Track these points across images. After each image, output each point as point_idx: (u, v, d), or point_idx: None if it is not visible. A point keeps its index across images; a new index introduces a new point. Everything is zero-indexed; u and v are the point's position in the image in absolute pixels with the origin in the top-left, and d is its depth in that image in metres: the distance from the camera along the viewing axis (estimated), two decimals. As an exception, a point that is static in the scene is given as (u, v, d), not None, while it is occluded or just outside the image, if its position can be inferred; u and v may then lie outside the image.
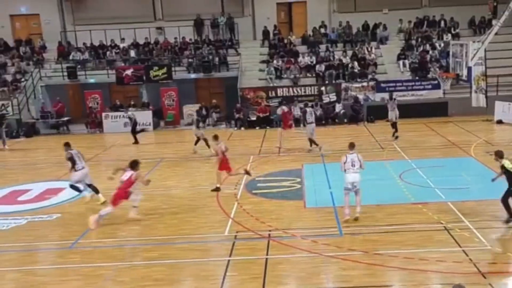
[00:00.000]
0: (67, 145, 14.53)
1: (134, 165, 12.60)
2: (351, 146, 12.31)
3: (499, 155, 11.30)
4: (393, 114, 20.78)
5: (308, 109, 20.86)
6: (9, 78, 29.23)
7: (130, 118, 23.69)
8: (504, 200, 11.07)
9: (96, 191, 14.35)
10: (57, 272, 10.06)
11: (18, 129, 26.34)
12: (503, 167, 11.08)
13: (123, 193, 12.43)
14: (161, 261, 10.26)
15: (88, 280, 9.56)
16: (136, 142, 23.08)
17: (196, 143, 20.45)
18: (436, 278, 9.08)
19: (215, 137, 15.02)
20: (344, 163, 11.98)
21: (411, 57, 28.19)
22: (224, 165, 14.70)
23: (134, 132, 23.29)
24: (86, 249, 11.10)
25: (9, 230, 12.59)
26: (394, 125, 20.82)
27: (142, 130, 23.93)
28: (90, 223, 12.26)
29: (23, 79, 28.98)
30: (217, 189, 14.63)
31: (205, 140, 19.98)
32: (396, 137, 20.64)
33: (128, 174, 12.48)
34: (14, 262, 10.73)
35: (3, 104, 25.52)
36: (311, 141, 19.57)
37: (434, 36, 29.72)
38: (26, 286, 9.47)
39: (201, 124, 21.57)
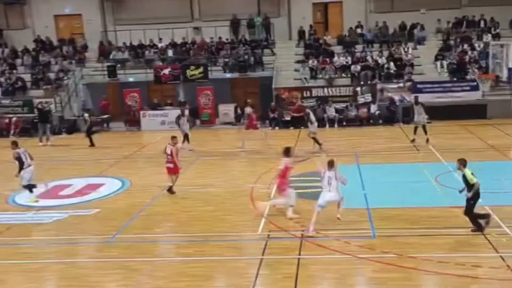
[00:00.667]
0: (14, 144, 14.78)
1: (287, 152, 12.56)
2: (330, 164, 11.69)
3: (462, 163, 11.09)
4: (420, 118, 20.20)
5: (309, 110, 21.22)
6: (52, 76, 30.05)
7: (85, 120, 23.70)
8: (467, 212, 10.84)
9: (31, 190, 14.73)
10: (97, 265, 10.42)
11: (60, 126, 27.12)
12: (464, 176, 10.86)
13: (283, 181, 12.46)
14: (197, 257, 10.51)
15: (127, 274, 9.87)
16: (92, 145, 22.98)
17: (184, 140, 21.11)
18: (472, 283, 8.92)
19: None
20: (322, 179, 11.59)
21: (449, 57, 27.85)
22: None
23: (89, 133, 23.22)
24: (124, 244, 11.43)
25: (52, 223, 13.05)
26: (423, 128, 20.13)
27: (96, 132, 24.09)
28: (259, 206, 12.75)
29: (65, 78, 29.76)
30: None
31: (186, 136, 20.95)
32: (427, 140, 20.03)
33: (284, 162, 12.47)
34: (57, 254, 11.15)
35: (46, 102, 26.25)
36: (315, 140, 19.71)
37: (473, 36, 29.27)
38: (68, 278, 9.81)
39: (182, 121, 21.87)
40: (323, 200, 11.56)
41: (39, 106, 25.06)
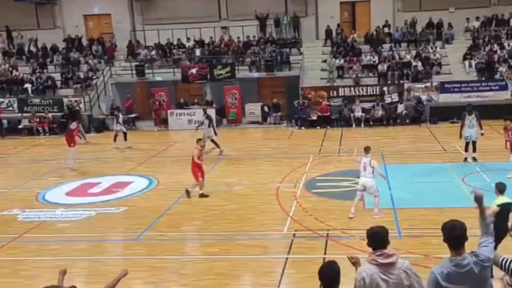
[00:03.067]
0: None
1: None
2: (366, 149, 12.47)
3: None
4: (472, 131, 17.12)
5: None
6: (82, 75, 30.51)
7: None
8: None
9: None
10: (124, 263, 10.54)
11: (89, 124, 27.56)
12: None
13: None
14: (222, 256, 10.62)
15: (153, 271, 10.02)
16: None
17: (117, 138, 22.02)
18: (499, 285, 8.92)
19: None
20: (358, 164, 12.39)
21: (477, 57, 27.47)
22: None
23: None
24: (150, 242, 11.60)
25: (80, 220, 13.30)
26: (473, 144, 17.23)
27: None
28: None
29: (94, 77, 30.22)
30: None
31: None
32: (474, 159, 17.20)
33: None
34: (85, 251, 11.37)
35: (75, 100, 26.72)
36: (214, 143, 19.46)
37: (502, 35, 28.83)
38: (95, 275, 9.97)
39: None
40: (359, 183, 12.42)
41: (68, 104, 25.47)
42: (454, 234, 4.89)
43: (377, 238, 5.18)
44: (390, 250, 5.20)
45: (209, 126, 19.98)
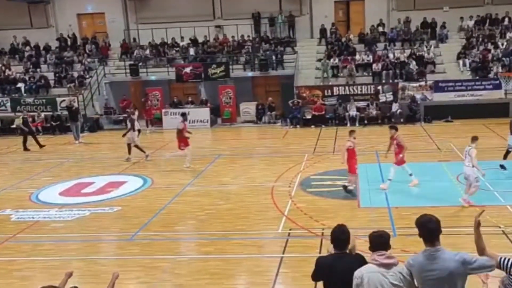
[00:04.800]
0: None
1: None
2: (473, 139, 13.15)
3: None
4: None
5: None
6: (75, 74, 30.40)
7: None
8: None
9: None
10: (118, 263, 10.50)
11: (83, 124, 27.42)
12: None
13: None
14: (217, 255, 10.56)
15: (147, 271, 9.96)
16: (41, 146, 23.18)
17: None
18: (492, 283, 8.92)
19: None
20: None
21: (471, 56, 27.54)
22: None
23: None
24: (145, 242, 11.52)
25: (74, 220, 13.21)
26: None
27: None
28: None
29: (88, 76, 30.11)
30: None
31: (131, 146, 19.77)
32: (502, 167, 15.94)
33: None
34: (78, 251, 11.28)
35: (70, 100, 26.57)
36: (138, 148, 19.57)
37: (496, 34, 28.91)
38: (89, 275, 9.91)
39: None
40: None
41: (68, 104, 25.26)
42: (431, 227, 5.10)
43: (380, 242, 5.37)
44: (391, 254, 5.35)
45: (133, 130, 19.63)
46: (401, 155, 14.32)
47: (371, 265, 5.28)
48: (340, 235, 5.73)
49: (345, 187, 14.18)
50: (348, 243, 5.70)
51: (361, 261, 5.53)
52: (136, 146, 19.61)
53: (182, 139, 18.10)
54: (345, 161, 14.06)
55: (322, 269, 5.64)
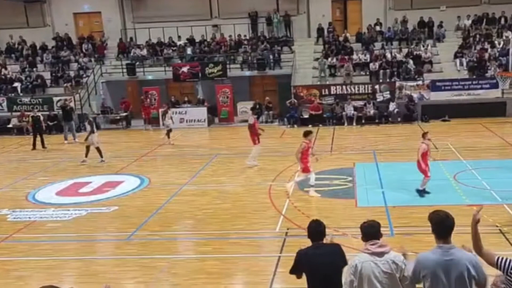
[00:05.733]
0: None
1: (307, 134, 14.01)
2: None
3: None
4: None
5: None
6: (72, 74, 30.33)
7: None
8: None
9: None
10: (115, 263, 10.48)
11: (80, 123, 27.38)
12: None
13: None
14: (214, 255, 10.54)
15: (144, 271, 9.94)
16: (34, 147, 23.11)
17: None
18: (490, 281, 8.92)
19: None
20: None
21: (468, 55, 27.57)
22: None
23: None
24: (142, 241, 11.49)
25: (71, 220, 13.18)
26: None
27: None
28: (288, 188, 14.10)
29: (85, 75, 30.04)
30: None
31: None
32: None
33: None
34: (75, 251, 11.26)
35: (66, 99, 26.54)
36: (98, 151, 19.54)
37: (493, 33, 28.95)
38: (86, 275, 9.88)
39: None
40: None
41: (62, 104, 25.27)
42: (448, 225, 5.12)
43: (371, 232, 5.52)
44: (383, 242, 5.50)
45: (92, 132, 19.47)
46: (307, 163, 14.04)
47: (364, 254, 5.43)
48: (317, 227, 6.03)
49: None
50: (324, 235, 6.03)
51: (338, 248, 5.98)
52: (97, 149, 19.31)
53: (255, 134, 17.90)
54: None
55: (302, 260, 5.88)
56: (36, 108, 27.39)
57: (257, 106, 26.25)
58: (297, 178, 14.66)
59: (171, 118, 23.56)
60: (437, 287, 5.07)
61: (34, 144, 22.92)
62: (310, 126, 25.42)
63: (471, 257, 5.17)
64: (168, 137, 22.57)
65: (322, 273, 5.75)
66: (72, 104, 26.50)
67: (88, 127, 19.76)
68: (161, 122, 23.59)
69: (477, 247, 5.33)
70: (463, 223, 11.42)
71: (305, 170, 14.08)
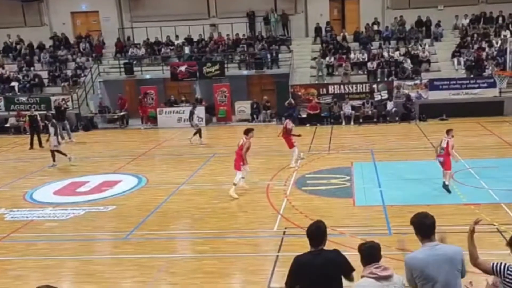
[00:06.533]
0: None
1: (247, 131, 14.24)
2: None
3: None
4: None
5: None
6: (69, 73, 30.29)
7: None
8: None
9: None
10: (113, 262, 10.47)
11: (77, 123, 27.35)
12: None
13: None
14: (212, 254, 10.53)
15: (142, 270, 9.92)
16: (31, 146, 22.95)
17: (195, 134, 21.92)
18: (490, 281, 8.90)
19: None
20: None
21: (466, 54, 27.61)
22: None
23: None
24: (139, 241, 11.47)
25: (68, 220, 13.14)
26: None
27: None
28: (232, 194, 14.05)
29: (82, 75, 30.00)
30: None
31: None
32: None
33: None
34: (73, 251, 11.21)
35: (63, 99, 26.51)
36: (59, 152, 19.06)
37: (491, 33, 28.98)
38: (84, 275, 9.87)
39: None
40: None
41: (57, 105, 25.25)
42: (428, 223, 5.18)
43: (373, 253, 5.15)
44: (384, 264, 5.21)
45: (54, 134, 19.12)
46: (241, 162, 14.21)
47: (370, 280, 5.00)
48: (317, 230, 5.55)
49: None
50: (325, 238, 5.49)
51: (339, 255, 5.49)
52: (57, 151, 18.97)
53: (291, 138, 17.71)
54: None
55: (300, 268, 5.40)
56: (34, 107, 27.38)
57: (255, 105, 26.30)
58: (242, 173, 14.53)
59: (198, 117, 23.32)
60: (429, 284, 5.07)
61: (31, 144, 22.88)
62: (308, 125, 25.50)
63: (458, 250, 5.23)
64: (200, 137, 22.12)
65: (321, 281, 5.34)
66: (69, 104, 26.48)
67: (52, 129, 19.12)
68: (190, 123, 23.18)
69: (473, 257, 5.34)
70: (461, 222, 11.51)
71: (236, 167, 14.26)
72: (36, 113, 24.31)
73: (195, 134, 22.20)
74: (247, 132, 14.39)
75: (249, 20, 31.72)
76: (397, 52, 28.29)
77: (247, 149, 14.15)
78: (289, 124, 18.07)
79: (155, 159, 20.22)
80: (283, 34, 31.48)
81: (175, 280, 9.50)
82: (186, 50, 30.89)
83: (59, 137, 19.74)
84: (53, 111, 25.05)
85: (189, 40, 31.47)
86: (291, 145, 17.64)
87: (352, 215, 12.45)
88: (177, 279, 9.50)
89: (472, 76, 26.57)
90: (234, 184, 14.21)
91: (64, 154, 19.14)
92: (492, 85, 25.47)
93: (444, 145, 13.56)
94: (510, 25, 29.00)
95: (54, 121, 19.89)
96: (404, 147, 19.82)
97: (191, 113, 23.07)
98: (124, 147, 22.65)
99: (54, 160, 18.94)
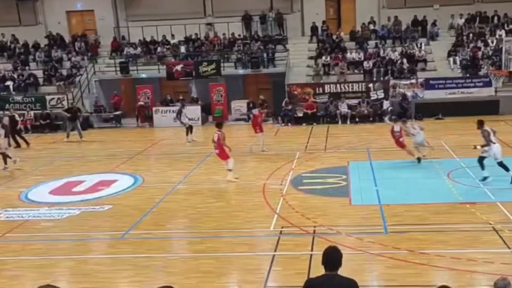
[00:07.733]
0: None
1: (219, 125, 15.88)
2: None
3: None
4: None
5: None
6: (64, 72, 30.20)
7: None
8: None
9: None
10: (109, 262, 10.42)
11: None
12: None
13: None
14: (209, 254, 10.50)
15: (139, 270, 9.88)
16: (18, 145, 22.62)
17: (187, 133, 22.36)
18: (484, 279, 8.91)
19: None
20: None
21: (462, 54, 27.67)
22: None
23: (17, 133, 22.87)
24: (136, 240, 11.44)
25: (64, 219, 13.09)
26: None
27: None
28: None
29: (78, 74, 29.91)
30: None
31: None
32: None
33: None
34: (68, 250, 11.17)
35: (72, 102, 26.52)
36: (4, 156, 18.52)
37: (486, 32, 29.05)
38: (80, 274, 9.83)
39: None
40: None
41: (69, 106, 25.30)
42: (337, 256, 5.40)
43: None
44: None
45: (5, 136, 18.67)
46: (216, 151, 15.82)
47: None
48: (333, 254, 5.50)
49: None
50: (340, 264, 5.46)
51: (353, 285, 5.38)
52: (2, 154, 18.39)
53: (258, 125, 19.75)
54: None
55: None
56: (29, 106, 27.34)
57: (251, 105, 26.24)
58: (228, 166, 15.67)
59: (186, 115, 23.39)
60: None
61: (17, 142, 22.49)
62: (304, 124, 25.50)
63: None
64: (191, 133, 22.65)
65: None
66: (64, 103, 26.42)
67: (2, 131, 18.77)
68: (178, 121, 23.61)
69: None
70: (457, 221, 11.53)
71: (224, 157, 15.54)
72: (15, 113, 24.14)
73: (187, 132, 22.36)
74: (219, 125, 16.13)
75: (245, 19, 31.67)
76: (393, 52, 28.29)
77: (224, 139, 15.58)
78: (256, 111, 20.53)
79: (151, 159, 20.18)
80: (279, 33, 31.46)
81: (171, 279, 9.45)
82: (182, 49, 30.84)
83: (10, 139, 19.48)
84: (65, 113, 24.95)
85: (185, 39, 31.41)
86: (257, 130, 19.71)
87: (348, 214, 12.45)
88: (174, 279, 9.46)
89: (467, 75, 26.64)
90: (230, 170, 15.26)
91: (9, 157, 18.51)
92: (488, 84, 25.56)
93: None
94: (505, 25, 29.08)
95: (4, 123, 19.61)
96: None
97: (179, 112, 23.23)
98: (120, 146, 22.59)
99: (5, 163, 18.41)
